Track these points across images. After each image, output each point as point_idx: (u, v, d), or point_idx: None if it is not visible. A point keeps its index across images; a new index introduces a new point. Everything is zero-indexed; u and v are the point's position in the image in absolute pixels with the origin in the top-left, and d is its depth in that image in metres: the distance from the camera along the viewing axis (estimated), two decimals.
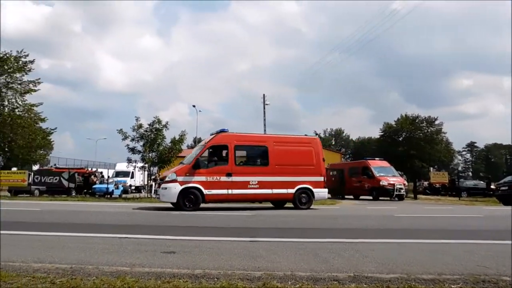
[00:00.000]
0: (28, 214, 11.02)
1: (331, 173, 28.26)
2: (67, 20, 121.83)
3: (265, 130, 47.06)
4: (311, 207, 13.84)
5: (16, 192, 24.05)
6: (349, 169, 26.78)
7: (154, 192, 21.40)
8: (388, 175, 23.82)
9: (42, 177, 25.61)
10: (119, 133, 22.79)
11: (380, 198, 22.88)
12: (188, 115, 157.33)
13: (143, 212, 11.48)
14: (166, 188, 12.92)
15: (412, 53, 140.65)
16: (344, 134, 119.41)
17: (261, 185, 13.26)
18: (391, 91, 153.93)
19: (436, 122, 74.85)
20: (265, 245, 5.97)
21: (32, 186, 24.52)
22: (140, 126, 22.96)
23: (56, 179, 25.50)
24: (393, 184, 22.77)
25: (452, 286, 3.80)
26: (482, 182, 32.90)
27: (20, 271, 4.05)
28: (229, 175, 12.97)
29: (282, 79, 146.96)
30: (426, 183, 36.83)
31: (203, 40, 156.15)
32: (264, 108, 47.13)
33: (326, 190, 14.49)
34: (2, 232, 6.74)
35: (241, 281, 3.81)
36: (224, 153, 13.62)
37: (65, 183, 25.36)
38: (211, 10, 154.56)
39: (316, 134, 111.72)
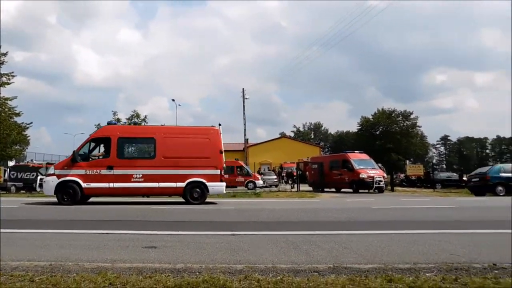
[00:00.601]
0: (5, 211, 10.71)
1: (312, 166, 28.42)
2: (41, 11, 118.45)
3: (244, 124, 47.14)
4: (206, 201, 13.29)
5: None
6: (330, 162, 26.57)
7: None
8: (368, 167, 23.70)
9: (19, 173, 24.88)
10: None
11: (360, 190, 23.03)
12: (168, 109, 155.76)
13: (124, 208, 11.33)
14: (45, 182, 12.77)
15: (389, 48, 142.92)
16: (323, 128, 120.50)
17: (146, 178, 12.73)
18: (369, 86, 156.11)
19: (412, 116, 76.45)
20: (247, 238, 6.00)
21: (8, 183, 23.86)
22: (118, 120, 22.63)
23: (33, 175, 24.84)
24: (373, 177, 22.68)
25: (427, 274, 3.91)
26: (455, 174, 33.79)
27: None
28: (110, 168, 12.57)
29: (263, 74, 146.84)
30: (402, 175, 37.53)
31: (183, 34, 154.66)
32: (243, 102, 47.19)
33: (224, 184, 13.67)
34: None
35: (223, 274, 3.83)
36: (106, 145, 13.17)
37: None
38: (190, 4, 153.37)
39: (296, 128, 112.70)
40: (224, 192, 14.15)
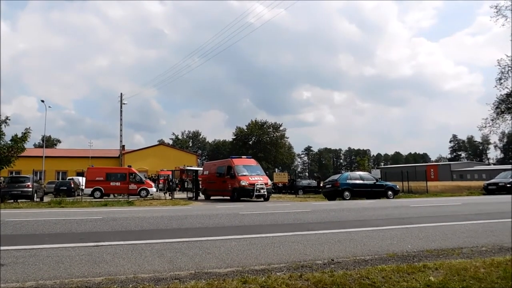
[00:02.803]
0: None
1: (204, 173, 26.65)
2: None
3: (121, 130, 44.66)
4: None
5: None
6: (218, 168, 24.41)
7: None
8: (252, 174, 21.70)
9: None
10: None
11: (242, 198, 21.12)
12: (36, 110, 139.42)
13: None
14: None
15: (263, 64, 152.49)
16: (201, 136, 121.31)
17: None
18: (245, 97, 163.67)
19: (281, 128, 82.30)
20: (111, 249, 5.69)
21: None
22: None
23: None
24: (254, 184, 20.71)
25: (278, 274, 4.24)
26: (314, 181, 37.01)
27: None
28: None
29: (143, 79, 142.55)
30: (270, 182, 39.70)
31: (57, 30, 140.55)
32: (121, 108, 44.77)
33: None
34: None
35: None
36: None
37: None
38: None
39: (175, 135, 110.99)
40: None
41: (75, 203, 18.05)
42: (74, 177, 35.31)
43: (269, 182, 22.21)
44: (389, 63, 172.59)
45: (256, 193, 20.63)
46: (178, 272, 4.31)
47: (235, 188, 21.17)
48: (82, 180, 31.58)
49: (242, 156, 24.66)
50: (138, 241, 6.33)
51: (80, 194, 27.17)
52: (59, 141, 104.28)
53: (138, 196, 25.46)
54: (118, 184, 26.56)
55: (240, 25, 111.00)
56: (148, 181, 29.25)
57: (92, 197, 25.08)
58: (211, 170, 25.43)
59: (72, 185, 30.01)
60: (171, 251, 5.47)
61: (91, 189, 26.12)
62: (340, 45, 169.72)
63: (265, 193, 21.02)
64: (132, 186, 26.34)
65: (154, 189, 27.64)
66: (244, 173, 21.65)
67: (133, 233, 7.61)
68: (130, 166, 29.52)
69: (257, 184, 20.80)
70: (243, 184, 20.84)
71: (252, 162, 23.75)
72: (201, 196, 25.18)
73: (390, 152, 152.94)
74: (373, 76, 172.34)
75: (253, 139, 79.24)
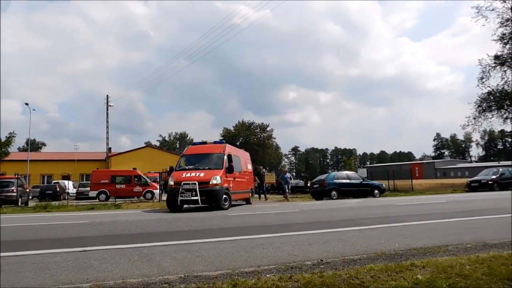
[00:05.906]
0: None
1: None
2: None
3: (107, 132, 44.14)
4: None
5: None
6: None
7: None
8: (197, 168, 14.50)
9: None
10: None
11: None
12: (20, 114, 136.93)
13: None
14: None
15: (249, 65, 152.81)
16: (188, 137, 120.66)
17: None
18: (231, 99, 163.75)
19: (268, 129, 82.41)
20: (98, 254, 5.58)
21: None
22: None
23: None
24: (180, 183, 13.65)
25: (268, 275, 4.22)
26: (302, 181, 37.17)
27: None
28: None
29: (128, 81, 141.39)
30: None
31: (40, 32, 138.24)
32: (107, 110, 44.27)
33: None
34: None
35: None
36: None
37: None
38: None
39: (161, 137, 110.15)
40: None
41: (61, 207, 17.77)
42: (59, 181, 34.73)
43: (219, 179, 13.78)
44: (373, 63, 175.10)
45: (181, 198, 13.45)
46: (167, 276, 4.25)
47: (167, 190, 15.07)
48: (68, 184, 31.13)
49: (208, 141, 16.65)
50: (126, 245, 6.22)
51: (66, 197, 26.80)
52: (44, 144, 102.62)
53: (143, 199, 25.25)
54: (123, 186, 26.33)
55: (226, 26, 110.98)
56: (154, 183, 28.89)
57: (97, 200, 24.92)
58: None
59: (58, 189, 29.54)
60: (160, 255, 5.40)
61: (96, 192, 25.91)
62: (325, 45, 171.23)
63: (196, 197, 13.28)
64: (137, 189, 26.16)
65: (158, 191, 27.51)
66: (185, 167, 14.88)
67: (120, 237, 7.50)
68: (135, 169, 29.13)
69: (184, 184, 13.48)
70: (170, 183, 14.19)
71: (215, 149, 15.61)
72: None
73: (376, 151, 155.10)
74: (358, 76, 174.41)
75: (240, 140, 79.15)
